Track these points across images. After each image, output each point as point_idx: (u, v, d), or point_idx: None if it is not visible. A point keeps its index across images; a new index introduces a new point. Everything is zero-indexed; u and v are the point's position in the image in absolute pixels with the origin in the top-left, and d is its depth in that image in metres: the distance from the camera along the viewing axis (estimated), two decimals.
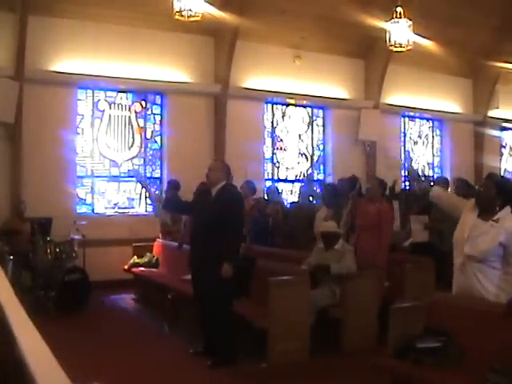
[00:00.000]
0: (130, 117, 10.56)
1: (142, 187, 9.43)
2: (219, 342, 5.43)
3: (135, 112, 10.62)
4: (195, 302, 5.76)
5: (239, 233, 5.66)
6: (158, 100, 10.84)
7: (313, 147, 12.41)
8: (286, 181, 12.03)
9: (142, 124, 10.67)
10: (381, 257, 6.28)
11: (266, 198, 9.90)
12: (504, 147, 14.90)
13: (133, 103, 10.60)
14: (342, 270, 5.95)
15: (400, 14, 9.21)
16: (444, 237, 6.60)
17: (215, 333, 5.45)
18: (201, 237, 5.49)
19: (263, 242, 7.76)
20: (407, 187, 9.20)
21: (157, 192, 9.01)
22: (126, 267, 8.88)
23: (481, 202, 3.95)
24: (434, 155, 13.95)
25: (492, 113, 13.85)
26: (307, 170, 12.30)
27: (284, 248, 7.66)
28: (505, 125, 14.37)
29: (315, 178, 12.22)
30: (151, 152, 10.76)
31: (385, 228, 6.38)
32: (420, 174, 9.11)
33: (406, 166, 12.70)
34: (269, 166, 11.86)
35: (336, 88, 12.20)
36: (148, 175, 10.60)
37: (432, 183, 4.83)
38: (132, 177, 10.42)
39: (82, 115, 10.08)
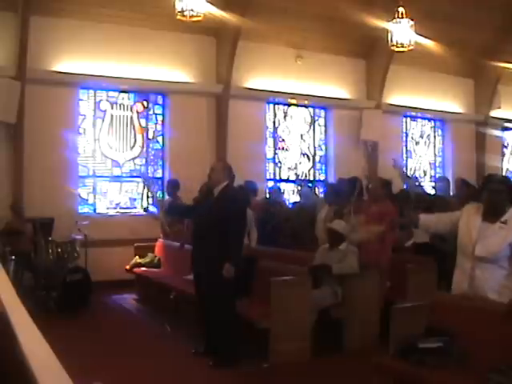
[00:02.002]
0: (131, 117, 10.56)
1: (148, 189, 9.56)
2: (221, 341, 5.43)
3: (137, 112, 10.62)
4: (197, 302, 5.77)
5: (241, 233, 5.65)
6: (160, 100, 10.84)
7: (314, 147, 12.40)
8: (287, 181, 12.03)
9: (143, 124, 10.67)
10: (384, 257, 6.27)
11: (267, 197, 9.90)
12: (506, 147, 14.89)
13: (135, 103, 10.60)
14: (343, 270, 5.94)
15: (402, 14, 9.21)
16: (446, 237, 6.59)
17: (217, 333, 5.45)
18: (203, 237, 5.49)
19: (268, 242, 7.74)
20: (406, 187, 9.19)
21: (158, 193, 9.04)
22: (127, 267, 8.88)
23: (492, 206, 3.91)
24: (435, 155, 13.94)
25: (494, 113, 13.84)
26: (309, 171, 12.30)
27: (286, 248, 7.65)
28: (507, 125, 14.36)
29: (316, 178, 12.25)
30: (153, 152, 10.76)
31: (388, 229, 6.37)
32: (409, 174, 9.15)
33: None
34: (270, 166, 11.86)
35: (338, 88, 12.19)
36: (150, 175, 10.61)
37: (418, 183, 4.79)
38: (134, 177, 10.46)
39: (84, 115, 10.08)
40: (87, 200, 10.11)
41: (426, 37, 10.93)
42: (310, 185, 11.41)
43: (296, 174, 12.14)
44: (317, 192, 11.63)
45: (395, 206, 6.46)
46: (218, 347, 5.45)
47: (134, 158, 10.55)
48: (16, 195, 9.00)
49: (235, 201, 5.53)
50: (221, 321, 5.38)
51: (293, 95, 11.66)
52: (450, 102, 13.58)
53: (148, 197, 10.46)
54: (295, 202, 9.93)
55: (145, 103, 10.69)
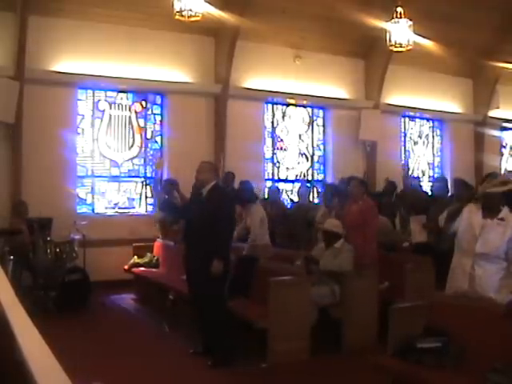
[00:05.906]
0: (130, 117, 10.55)
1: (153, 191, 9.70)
2: (216, 341, 5.45)
3: (135, 112, 10.61)
4: (191, 301, 5.80)
5: (230, 231, 5.74)
6: (159, 100, 10.83)
7: (313, 147, 12.40)
8: (286, 181, 12.04)
9: (142, 124, 10.66)
10: (369, 254, 6.29)
11: (265, 197, 9.90)
12: (504, 147, 14.91)
13: (133, 103, 10.59)
14: (329, 267, 5.95)
15: (400, 13, 9.22)
16: (443, 236, 6.60)
17: (211, 332, 5.48)
18: (194, 236, 5.56)
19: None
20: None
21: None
22: (126, 267, 8.88)
23: (489, 202, 3.97)
24: (434, 155, 13.94)
25: (492, 113, 13.85)
26: (307, 171, 12.31)
27: (284, 248, 7.66)
28: (505, 125, 14.37)
29: (315, 178, 12.26)
30: (151, 152, 10.75)
31: (368, 226, 6.41)
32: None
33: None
34: (269, 166, 11.86)
35: (336, 88, 12.20)
36: (148, 175, 10.61)
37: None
38: (132, 177, 10.46)
39: (83, 115, 10.07)
40: (85, 200, 10.10)
41: (424, 37, 10.93)
42: (308, 185, 11.40)
43: (304, 171, 12.15)
44: (314, 193, 11.67)
45: (376, 202, 6.69)
46: (213, 347, 5.46)
47: (132, 158, 10.54)
48: (14, 195, 8.99)
49: (223, 200, 5.63)
50: (213, 320, 5.41)
51: (291, 95, 11.66)
52: (449, 102, 13.59)
53: (147, 197, 10.45)
54: (294, 202, 9.93)
55: (143, 103, 10.68)
